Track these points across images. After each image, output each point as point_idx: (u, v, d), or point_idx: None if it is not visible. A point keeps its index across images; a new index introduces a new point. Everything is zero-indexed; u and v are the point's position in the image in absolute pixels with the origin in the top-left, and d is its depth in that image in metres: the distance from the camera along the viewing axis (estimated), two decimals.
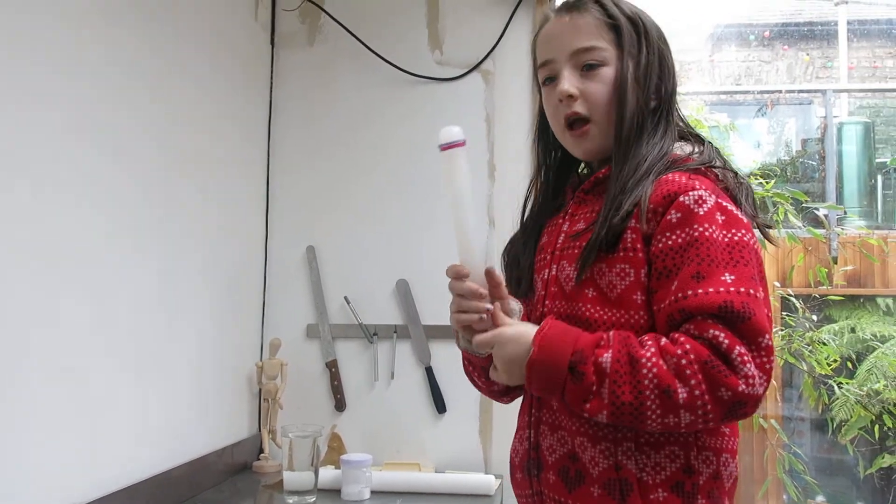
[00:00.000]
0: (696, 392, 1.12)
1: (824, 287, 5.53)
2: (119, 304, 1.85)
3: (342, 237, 2.64)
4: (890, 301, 6.12)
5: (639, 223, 1.25)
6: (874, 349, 5.67)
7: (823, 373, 4.71)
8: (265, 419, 2.51)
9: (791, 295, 4.90)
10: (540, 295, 1.39)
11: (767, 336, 1.14)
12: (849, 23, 8.35)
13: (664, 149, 1.32)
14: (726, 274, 1.17)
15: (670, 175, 1.27)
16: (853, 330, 5.96)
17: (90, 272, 1.74)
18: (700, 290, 1.16)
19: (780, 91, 7.29)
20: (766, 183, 4.63)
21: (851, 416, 5.20)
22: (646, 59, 1.35)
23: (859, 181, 6.84)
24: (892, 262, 5.92)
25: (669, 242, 1.21)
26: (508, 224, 1.62)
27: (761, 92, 7.51)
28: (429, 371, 2.54)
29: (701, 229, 1.20)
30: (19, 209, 1.52)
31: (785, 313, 5.11)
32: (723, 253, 1.19)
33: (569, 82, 1.36)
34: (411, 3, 2.67)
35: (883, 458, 5.35)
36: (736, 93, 7.97)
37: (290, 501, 2.11)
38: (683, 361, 1.12)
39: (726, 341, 1.12)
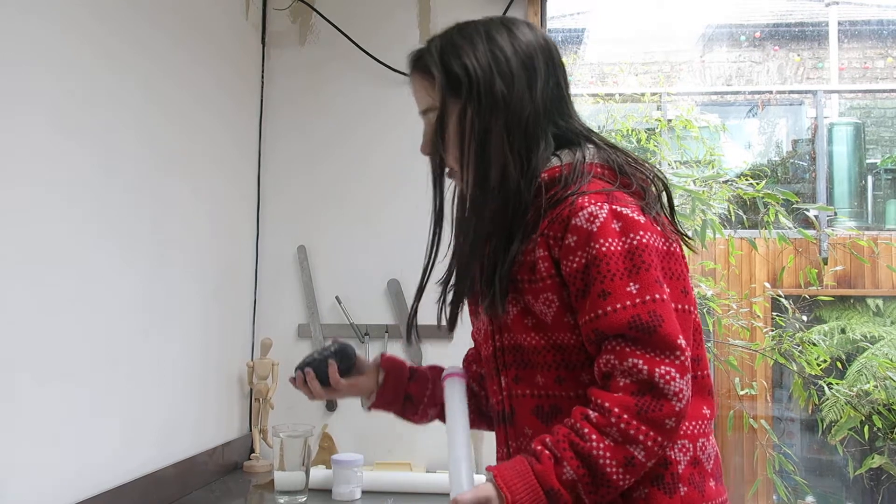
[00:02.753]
0: (649, 442, 1.17)
1: (814, 288, 5.55)
2: (109, 304, 1.84)
3: (334, 237, 2.64)
4: (880, 302, 6.15)
5: (547, 251, 1.28)
6: (864, 350, 5.70)
7: (813, 373, 4.72)
8: (256, 419, 2.51)
9: (781, 295, 4.91)
10: (488, 330, 1.41)
11: (680, 337, 1.20)
12: (840, 23, 8.38)
13: (511, 187, 1.32)
14: (630, 284, 1.21)
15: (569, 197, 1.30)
16: (843, 331, 5.98)
17: (79, 273, 1.73)
18: (609, 308, 1.21)
19: (771, 92, 7.32)
20: (757, 184, 4.64)
21: (841, 417, 5.22)
22: (464, 108, 1.35)
23: (850, 182, 6.87)
24: (882, 263, 5.95)
25: (574, 265, 1.25)
26: None
27: (752, 93, 7.54)
28: None
29: (598, 246, 1.23)
30: (6, 209, 1.51)
31: (775, 314, 5.13)
32: (623, 263, 1.22)
33: (423, 143, 1.49)
34: (403, 3, 2.67)
35: (872, 458, 5.37)
36: (727, 93, 7.99)
37: (281, 501, 2.11)
38: (622, 425, 1.17)
39: (645, 368, 1.18)
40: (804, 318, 5.17)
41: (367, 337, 2.58)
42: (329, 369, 1.55)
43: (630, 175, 1.35)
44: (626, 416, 1.16)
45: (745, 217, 4.99)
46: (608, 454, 1.17)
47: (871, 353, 5.56)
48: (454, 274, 1.44)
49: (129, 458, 1.93)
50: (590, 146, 1.37)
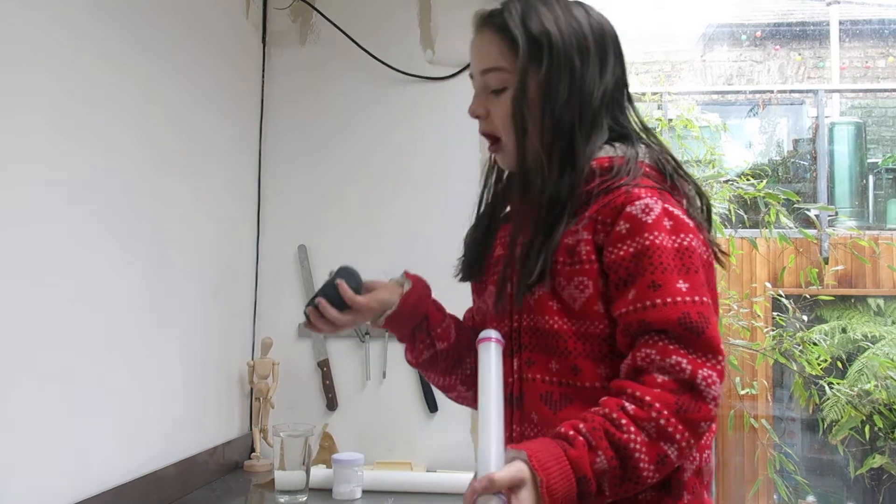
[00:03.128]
0: (683, 443, 1.15)
1: (815, 287, 5.55)
2: (110, 304, 1.84)
3: (334, 236, 2.64)
4: (881, 301, 6.14)
5: (592, 235, 1.26)
6: (865, 349, 5.70)
7: (814, 373, 4.72)
8: (256, 418, 2.51)
9: (782, 295, 4.91)
10: (505, 310, 1.39)
11: (720, 344, 1.19)
12: (841, 23, 8.38)
13: (579, 165, 1.30)
14: (681, 281, 1.20)
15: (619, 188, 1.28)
16: (844, 330, 5.98)
17: (80, 272, 1.73)
18: (658, 300, 1.19)
19: (772, 91, 7.31)
20: (758, 183, 4.64)
21: (842, 417, 5.22)
22: (545, 77, 1.31)
23: (851, 181, 6.87)
24: (883, 262, 5.95)
25: (622, 252, 1.23)
26: None
27: (753, 92, 7.54)
28: None
29: (651, 237, 1.21)
30: (7, 209, 1.51)
31: (776, 313, 5.13)
32: (674, 259, 1.21)
33: (476, 103, 1.40)
34: (403, 2, 2.67)
35: (873, 458, 5.38)
36: (727, 93, 8.00)
37: (282, 501, 2.11)
38: (662, 421, 1.14)
39: (689, 368, 1.16)
40: (805, 317, 5.15)
41: (367, 336, 2.58)
42: (339, 290, 1.46)
43: (676, 182, 1.34)
44: (665, 413, 1.14)
45: (745, 217, 4.99)
46: (644, 449, 1.14)
47: (872, 353, 5.56)
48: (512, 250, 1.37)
49: (130, 458, 1.93)
50: (642, 146, 1.36)
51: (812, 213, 5.45)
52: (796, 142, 7.17)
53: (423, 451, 2.52)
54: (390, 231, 2.61)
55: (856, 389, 5.16)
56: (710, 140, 5.62)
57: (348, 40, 2.64)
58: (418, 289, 1.50)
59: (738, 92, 7.85)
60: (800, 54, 8.69)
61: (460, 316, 1.60)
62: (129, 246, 1.92)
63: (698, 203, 1.36)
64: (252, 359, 2.58)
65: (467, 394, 1.54)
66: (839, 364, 5.61)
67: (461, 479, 2.28)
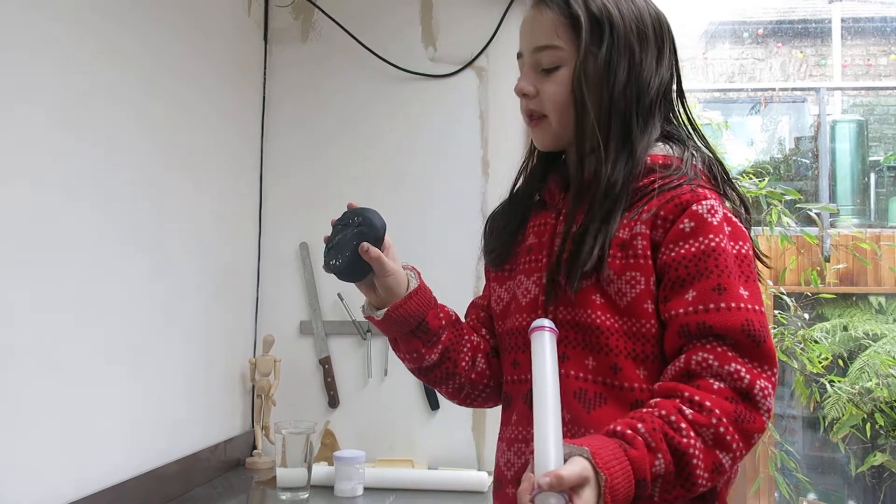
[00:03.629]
0: (738, 453, 1.12)
1: (814, 286, 5.54)
2: (112, 301, 1.84)
3: None
4: (882, 299, 6.13)
5: (650, 230, 1.22)
6: (866, 347, 5.69)
7: (815, 371, 4.71)
8: (258, 416, 2.51)
9: (783, 293, 4.90)
10: (539, 300, 1.32)
11: (776, 356, 1.16)
12: (843, 20, 8.35)
13: (637, 155, 1.27)
14: (741, 288, 1.17)
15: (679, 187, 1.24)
16: (845, 328, 5.97)
17: (82, 268, 1.73)
18: (723, 304, 1.15)
19: (774, 89, 7.30)
20: (760, 182, 4.63)
21: (843, 415, 5.21)
22: (604, 59, 1.27)
23: (852, 179, 6.85)
24: (884, 261, 5.93)
25: (683, 251, 1.19)
26: None
27: (755, 90, 7.52)
28: None
29: (717, 240, 1.18)
30: (10, 204, 1.51)
31: (777, 311, 5.12)
32: (735, 265, 1.18)
33: (525, 80, 1.35)
34: (405, 0, 2.67)
35: (874, 456, 5.36)
36: (729, 90, 7.98)
37: (283, 498, 2.11)
38: (721, 429, 1.10)
39: (747, 377, 1.12)
40: (806, 315, 5.14)
41: (369, 334, 2.58)
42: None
43: (725, 190, 1.32)
44: (724, 420, 1.10)
45: None
46: (701, 455, 1.09)
47: (874, 351, 5.54)
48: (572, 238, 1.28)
49: (132, 455, 1.93)
50: (695, 151, 1.33)
51: (813, 213, 5.45)
52: (798, 139, 7.15)
53: (425, 448, 2.53)
54: (391, 228, 2.58)
55: (857, 387, 5.15)
56: (712, 138, 5.60)
57: (350, 37, 2.64)
58: (424, 289, 1.43)
59: (739, 90, 7.83)
60: (802, 52, 8.67)
61: (461, 311, 1.53)
62: (130, 243, 1.92)
63: (743, 213, 1.33)
64: (254, 356, 2.58)
65: (454, 400, 1.48)
66: (840, 362, 5.59)
67: (462, 477, 2.29)
